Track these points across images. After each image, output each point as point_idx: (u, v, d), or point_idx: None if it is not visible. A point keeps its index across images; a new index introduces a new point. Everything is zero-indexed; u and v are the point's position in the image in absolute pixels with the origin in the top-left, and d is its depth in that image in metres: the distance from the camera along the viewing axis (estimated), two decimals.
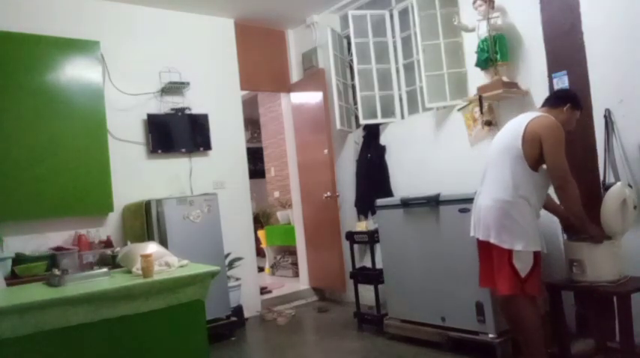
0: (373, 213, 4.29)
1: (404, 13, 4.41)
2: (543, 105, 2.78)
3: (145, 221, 3.91)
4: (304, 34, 5.35)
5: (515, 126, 2.66)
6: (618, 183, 2.76)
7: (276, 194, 7.78)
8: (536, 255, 2.60)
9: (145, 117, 4.36)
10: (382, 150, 4.54)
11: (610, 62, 2.98)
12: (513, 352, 2.98)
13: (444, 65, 3.83)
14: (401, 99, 4.50)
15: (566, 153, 2.55)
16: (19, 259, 3.40)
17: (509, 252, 2.57)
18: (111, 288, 2.20)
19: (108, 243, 3.90)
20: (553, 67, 3.25)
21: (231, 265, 4.49)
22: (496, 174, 2.67)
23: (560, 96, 2.78)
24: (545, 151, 2.54)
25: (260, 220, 7.49)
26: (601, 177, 3.01)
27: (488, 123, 3.64)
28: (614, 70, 2.97)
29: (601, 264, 2.67)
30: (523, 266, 2.56)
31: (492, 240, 2.61)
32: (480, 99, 3.46)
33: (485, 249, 2.74)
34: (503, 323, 3.01)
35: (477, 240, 2.79)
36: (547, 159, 2.55)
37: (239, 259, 4.59)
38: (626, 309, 2.55)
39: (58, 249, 3.70)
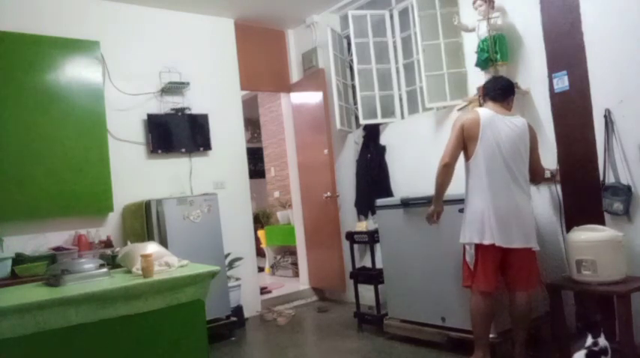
0: (373, 213, 4.28)
1: (404, 13, 4.41)
2: (496, 101, 2.88)
3: (145, 221, 3.91)
4: (304, 34, 5.35)
5: (519, 130, 2.79)
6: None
7: (276, 194, 7.78)
8: None
9: (145, 117, 4.36)
10: (382, 150, 4.53)
11: (610, 62, 2.98)
12: (513, 352, 2.97)
13: (444, 65, 3.83)
14: (401, 99, 4.50)
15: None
16: (19, 259, 3.40)
17: (535, 253, 2.82)
18: (111, 288, 2.20)
19: (108, 243, 3.90)
20: (553, 67, 3.25)
21: (231, 265, 4.49)
22: (518, 173, 2.76)
23: (507, 89, 2.93)
24: (537, 152, 2.92)
25: (260, 220, 7.49)
26: (601, 177, 3.01)
27: None
28: (614, 70, 2.96)
29: (605, 264, 2.67)
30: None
31: (532, 245, 2.77)
32: (480, 100, 3.46)
33: (500, 254, 2.77)
34: (503, 323, 3.01)
35: (490, 246, 2.73)
36: (538, 159, 2.93)
37: (239, 259, 4.59)
38: (626, 309, 2.55)
39: (58, 249, 3.70)
